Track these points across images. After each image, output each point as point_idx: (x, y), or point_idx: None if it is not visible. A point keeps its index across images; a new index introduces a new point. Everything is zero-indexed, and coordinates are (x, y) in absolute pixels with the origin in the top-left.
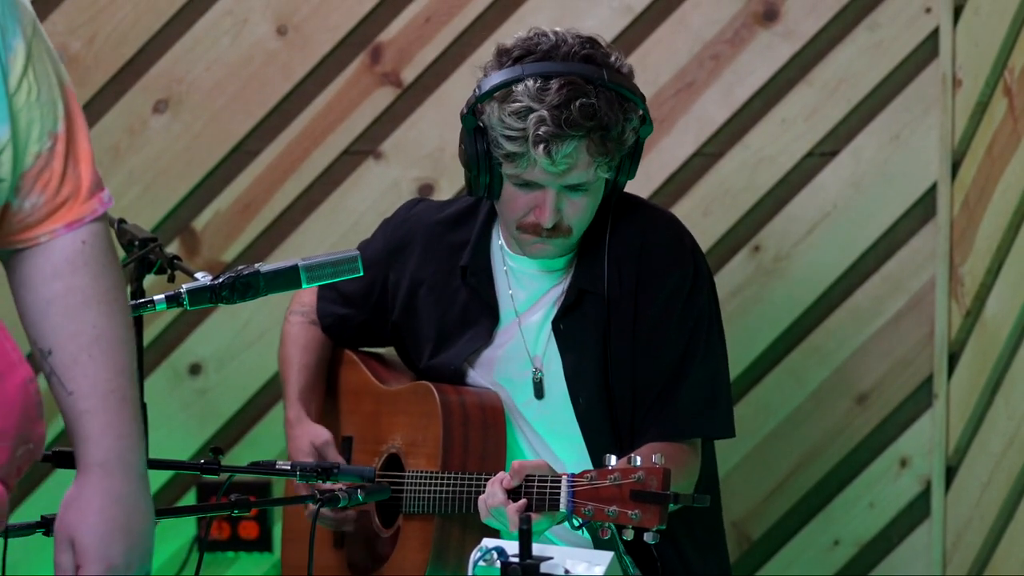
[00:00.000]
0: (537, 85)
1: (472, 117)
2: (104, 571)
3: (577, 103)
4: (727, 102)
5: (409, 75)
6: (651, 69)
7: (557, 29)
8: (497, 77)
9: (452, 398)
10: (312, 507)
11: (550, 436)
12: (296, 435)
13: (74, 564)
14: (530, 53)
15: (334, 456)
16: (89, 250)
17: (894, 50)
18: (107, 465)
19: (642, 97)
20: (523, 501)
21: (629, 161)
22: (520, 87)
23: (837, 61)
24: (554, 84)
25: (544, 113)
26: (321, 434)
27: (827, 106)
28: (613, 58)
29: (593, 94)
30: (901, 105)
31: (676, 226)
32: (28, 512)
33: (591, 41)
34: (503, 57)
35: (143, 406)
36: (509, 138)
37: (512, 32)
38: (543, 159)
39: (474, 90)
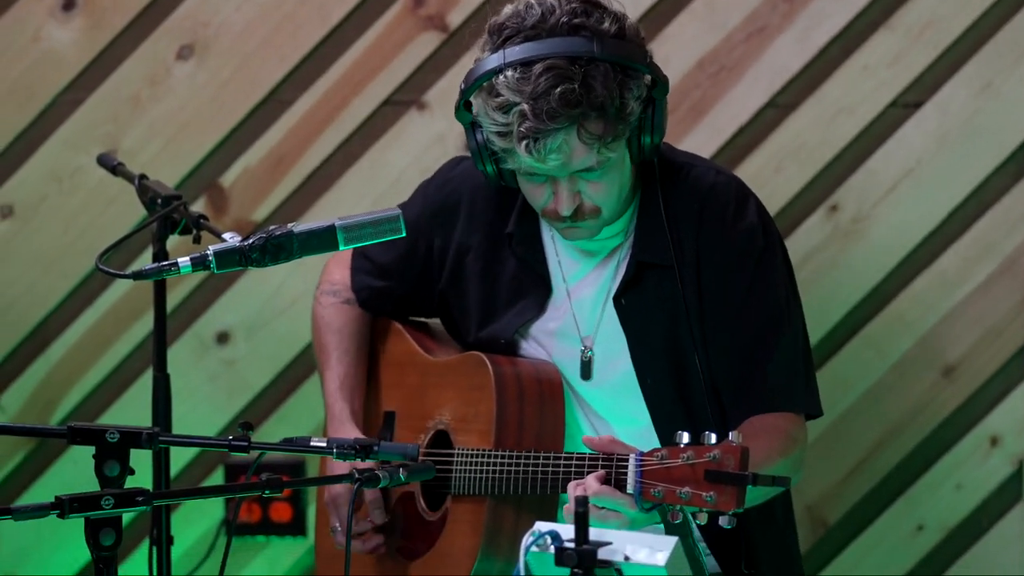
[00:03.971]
0: (517, 75)
1: (466, 113)
2: None
3: (558, 91)
4: (802, 48)
5: (455, 19)
6: (719, 12)
7: None
8: (480, 67)
9: (506, 370)
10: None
11: (610, 417)
12: (340, 436)
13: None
14: (518, 32)
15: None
16: None
17: None
18: None
19: (646, 59)
20: (602, 472)
21: (650, 122)
22: (501, 78)
23: (922, 3)
24: (535, 70)
25: (525, 107)
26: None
27: (911, 53)
28: (607, 23)
29: (579, 76)
30: (992, 52)
31: (738, 186)
32: (42, 492)
33: (584, 6)
34: (493, 36)
35: (166, 377)
36: (498, 134)
37: None
38: (527, 158)
39: (460, 83)
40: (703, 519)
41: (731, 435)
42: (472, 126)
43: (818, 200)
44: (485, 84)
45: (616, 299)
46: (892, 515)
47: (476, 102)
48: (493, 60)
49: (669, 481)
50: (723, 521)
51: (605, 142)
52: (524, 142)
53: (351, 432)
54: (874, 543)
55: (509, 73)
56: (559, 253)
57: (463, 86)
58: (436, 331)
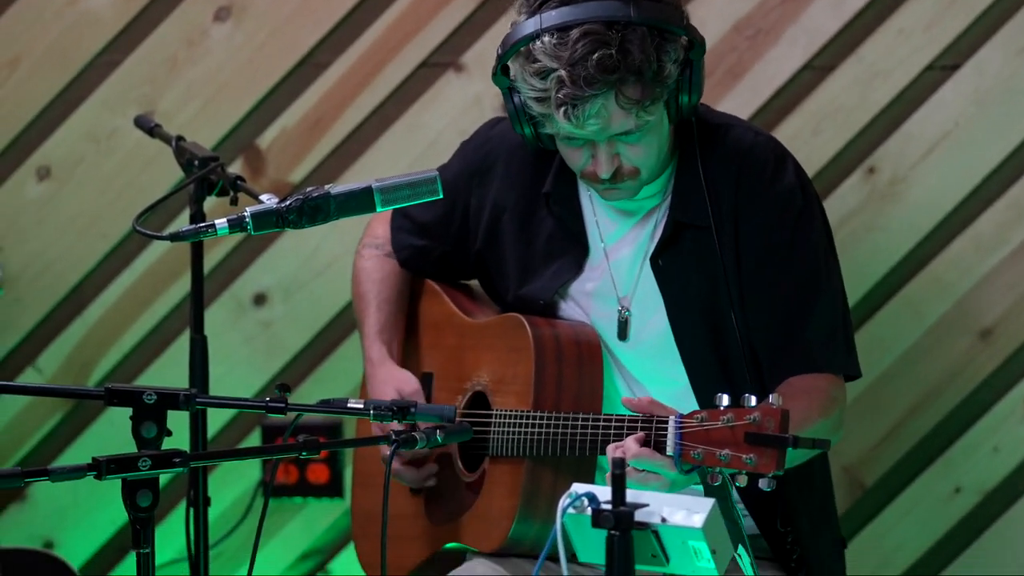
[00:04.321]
0: (554, 41)
1: (503, 78)
2: None
3: (595, 57)
4: (839, 11)
5: None
6: None
7: None
8: (517, 32)
9: (545, 331)
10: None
11: (645, 378)
12: (380, 378)
13: None
14: None
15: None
16: None
17: None
18: None
19: (682, 21)
20: (641, 434)
21: (688, 83)
22: (538, 44)
23: None
24: (572, 36)
25: (562, 73)
26: (409, 381)
27: (948, 15)
28: None
29: (616, 40)
30: None
31: (776, 146)
32: (79, 454)
33: None
34: (529, 0)
35: (203, 339)
36: (536, 99)
37: None
38: (565, 124)
39: (498, 48)
40: (743, 481)
41: (771, 397)
42: (509, 90)
43: (855, 162)
44: (522, 49)
45: (653, 259)
46: (929, 477)
47: (513, 67)
48: (530, 25)
49: (709, 443)
50: (763, 484)
51: (643, 106)
52: (562, 108)
53: (394, 373)
54: (911, 505)
55: (546, 39)
56: (596, 213)
57: (500, 51)
58: (474, 292)
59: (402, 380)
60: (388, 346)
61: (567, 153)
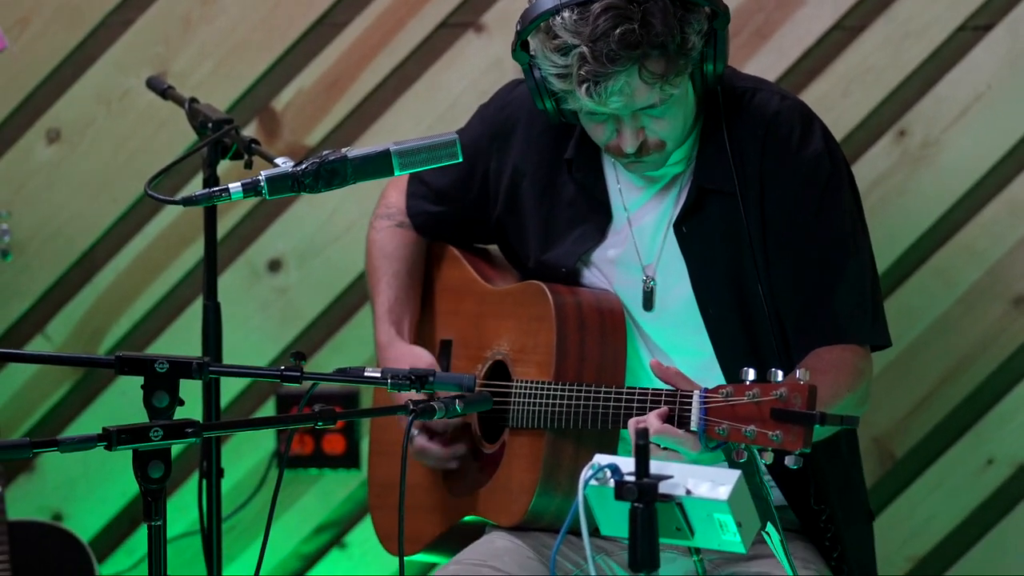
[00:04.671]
0: (575, 16)
1: (523, 53)
2: None
3: (617, 32)
4: None
5: None
6: None
7: None
8: (537, 7)
9: (567, 299)
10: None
11: (670, 349)
12: (389, 359)
13: None
14: None
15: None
16: None
17: None
18: None
19: None
20: (664, 409)
21: (712, 53)
22: (558, 19)
23: None
24: (594, 10)
25: (584, 49)
26: (421, 356)
27: None
28: None
29: (637, 15)
30: None
31: (803, 110)
32: (89, 423)
33: None
34: None
35: (216, 306)
36: (558, 76)
37: None
38: (588, 101)
39: (516, 23)
40: (769, 458)
41: (798, 372)
42: (529, 65)
43: (886, 125)
44: (542, 25)
45: (677, 226)
46: (961, 449)
47: (533, 43)
48: (549, 0)
49: (734, 419)
50: (789, 461)
51: (667, 79)
52: (584, 85)
53: (404, 351)
54: (942, 477)
55: (566, 14)
56: (620, 179)
57: (519, 27)
58: (495, 258)
59: (415, 356)
60: (397, 325)
61: (590, 128)
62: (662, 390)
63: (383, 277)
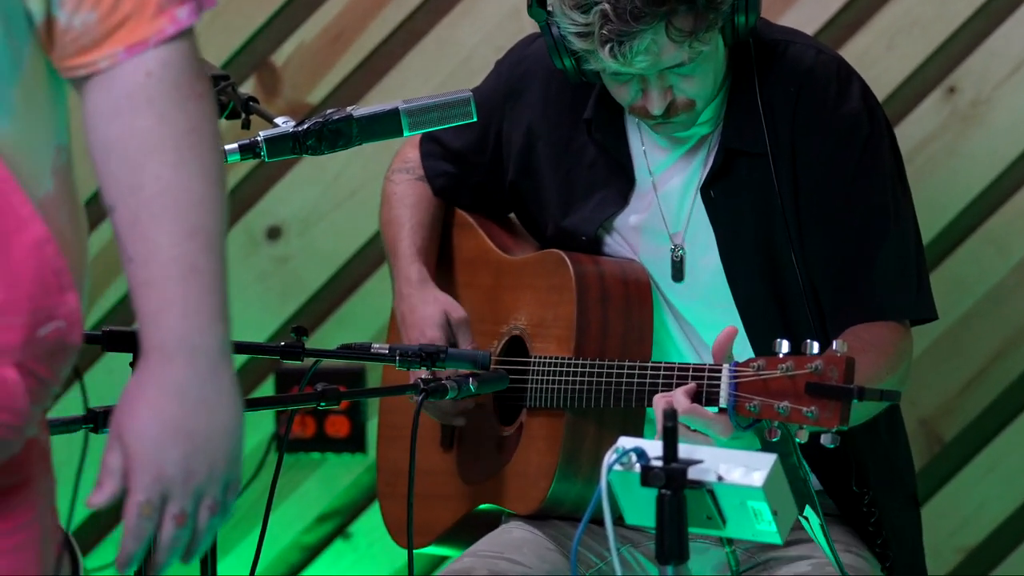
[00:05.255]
0: None
1: (540, 10)
2: (152, 481)
3: None
4: None
5: None
6: None
7: None
8: None
9: (589, 269)
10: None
11: (699, 323)
12: (423, 298)
13: (122, 468)
14: None
15: (468, 341)
16: (156, 84)
17: None
18: (165, 349)
19: None
20: (692, 385)
21: (744, 4)
22: None
23: None
24: None
25: (606, 6)
26: (456, 307)
27: None
28: None
29: None
30: None
31: (840, 66)
32: (74, 404)
33: None
34: None
35: None
36: (578, 35)
37: None
38: (612, 62)
39: None
40: (804, 437)
41: (835, 344)
42: (547, 21)
43: (934, 82)
44: None
45: (704, 190)
46: (1015, 431)
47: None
48: None
49: (766, 395)
50: (825, 440)
51: (696, 36)
52: (608, 45)
53: (438, 296)
54: (994, 462)
55: None
56: (644, 141)
57: None
58: (513, 226)
59: (449, 304)
60: (429, 268)
61: (613, 89)
62: (689, 365)
63: (407, 223)
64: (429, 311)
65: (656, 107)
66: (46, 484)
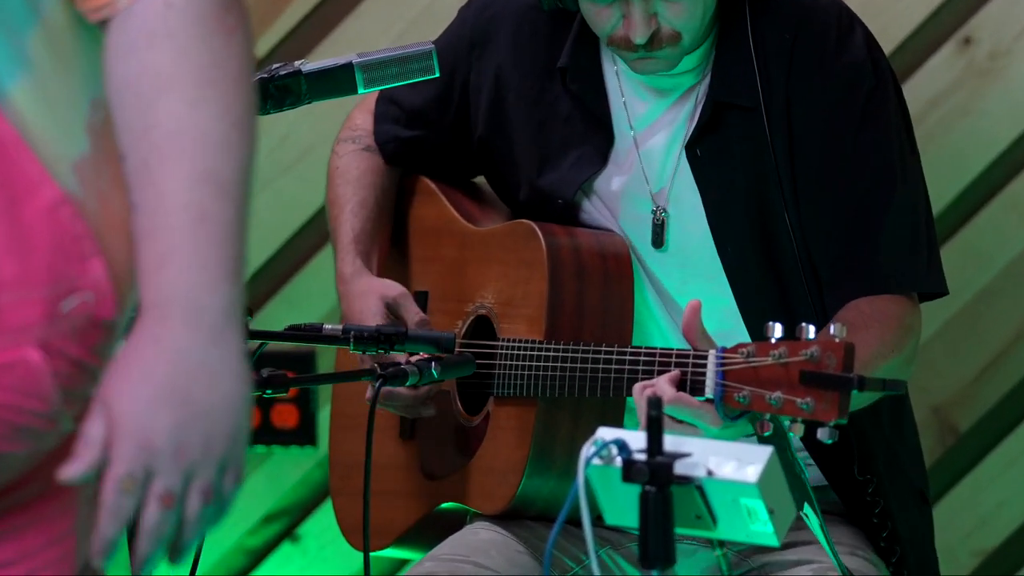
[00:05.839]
0: None
1: None
2: (136, 450)
3: None
4: None
5: None
6: None
7: None
8: None
9: (562, 241)
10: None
11: (684, 299)
12: (356, 292)
13: (104, 438)
14: None
15: (414, 314)
16: (175, 16)
17: None
18: (164, 306)
19: None
20: (676, 372)
21: None
22: None
23: None
24: None
25: None
26: (391, 286)
27: None
28: None
29: None
30: None
31: (841, 11)
32: None
33: None
34: None
35: None
36: None
37: None
38: None
39: None
40: (799, 431)
41: (832, 327)
42: None
43: (947, 32)
44: None
45: (689, 148)
46: None
47: None
48: None
49: (757, 384)
50: (822, 434)
51: None
52: None
53: (372, 282)
54: (1016, 454)
55: None
56: (624, 92)
57: None
58: (481, 193)
59: (385, 287)
60: (365, 257)
61: (592, 15)
62: (672, 350)
63: (347, 205)
64: (362, 304)
65: (639, 34)
66: (87, 490)
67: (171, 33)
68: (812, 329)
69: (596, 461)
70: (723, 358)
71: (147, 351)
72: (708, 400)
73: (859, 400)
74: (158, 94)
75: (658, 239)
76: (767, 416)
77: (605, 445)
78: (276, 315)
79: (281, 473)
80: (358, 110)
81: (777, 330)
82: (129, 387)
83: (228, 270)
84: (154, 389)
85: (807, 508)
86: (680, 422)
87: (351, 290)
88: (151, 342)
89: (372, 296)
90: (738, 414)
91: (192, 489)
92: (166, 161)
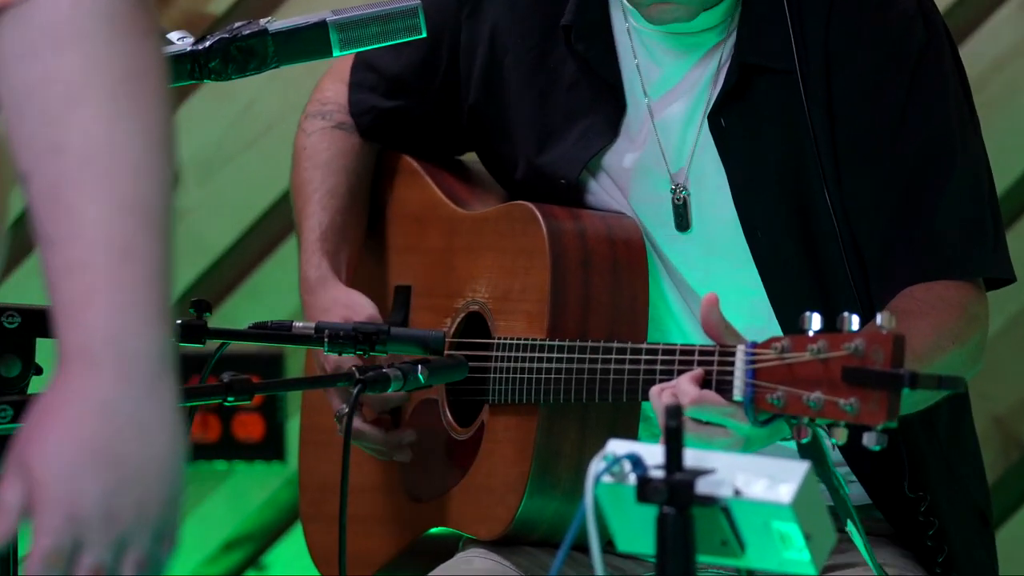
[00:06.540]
0: None
1: None
2: (63, 521)
3: None
4: None
5: None
6: None
7: None
8: None
9: (566, 226)
10: (346, 398)
11: (706, 289)
12: (318, 305)
13: (24, 503)
14: None
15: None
16: (84, 16)
17: None
18: (90, 354)
19: None
20: (699, 371)
21: None
22: None
23: None
24: None
25: None
26: (362, 306)
27: None
28: None
29: None
30: None
31: None
32: None
33: None
34: None
35: None
36: None
37: None
38: None
39: None
40: (841, 437)
41: (879, 316)
42: None
43: None
44: None
45: (712, 117)
46: None
47: None
48: None
49: (793, 383)
50: (868, 440)
51: None
52: None
53: (339, 296)
54: None
55: None
56: (637, 53)
57: None
58: (471, 172)
59: (351, 305)
60: (333, 258)
61: None
62: (695, 347)
63: (314, 194)
64: (327, 319)
65: None
66: None
67: (80, 35)
68: (856, 319)
69: (606, 478)
70: (753, 354)
71: (71, 405)
72: (736, 402)
73: (911, 401)
74: (68, 107)
75: (682, 221)
76: (804, 420)
77: (617, 460)
78: (239, 310)
79: (244, 493)
80: (328, 79)
81: (815, 321)
82: (52, 447)
83: (157, 310)
84: (81, 449)
85: (849, 525)
86: (705, 424)
87: (314, 302)
88: (75, 395)
89: (336, 314)
90: (769, 417)
91: (125, 561)
92: (82, 188)
